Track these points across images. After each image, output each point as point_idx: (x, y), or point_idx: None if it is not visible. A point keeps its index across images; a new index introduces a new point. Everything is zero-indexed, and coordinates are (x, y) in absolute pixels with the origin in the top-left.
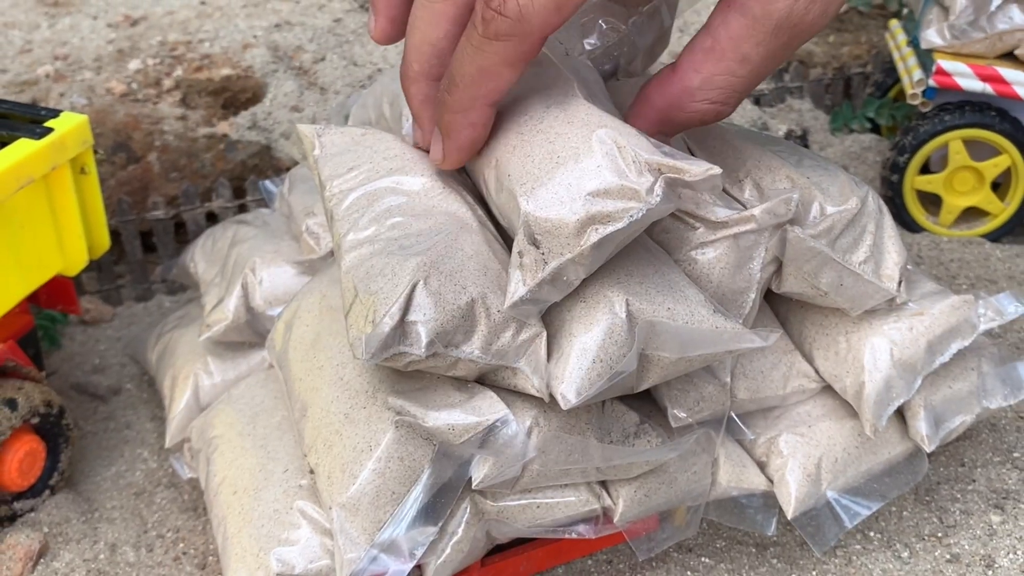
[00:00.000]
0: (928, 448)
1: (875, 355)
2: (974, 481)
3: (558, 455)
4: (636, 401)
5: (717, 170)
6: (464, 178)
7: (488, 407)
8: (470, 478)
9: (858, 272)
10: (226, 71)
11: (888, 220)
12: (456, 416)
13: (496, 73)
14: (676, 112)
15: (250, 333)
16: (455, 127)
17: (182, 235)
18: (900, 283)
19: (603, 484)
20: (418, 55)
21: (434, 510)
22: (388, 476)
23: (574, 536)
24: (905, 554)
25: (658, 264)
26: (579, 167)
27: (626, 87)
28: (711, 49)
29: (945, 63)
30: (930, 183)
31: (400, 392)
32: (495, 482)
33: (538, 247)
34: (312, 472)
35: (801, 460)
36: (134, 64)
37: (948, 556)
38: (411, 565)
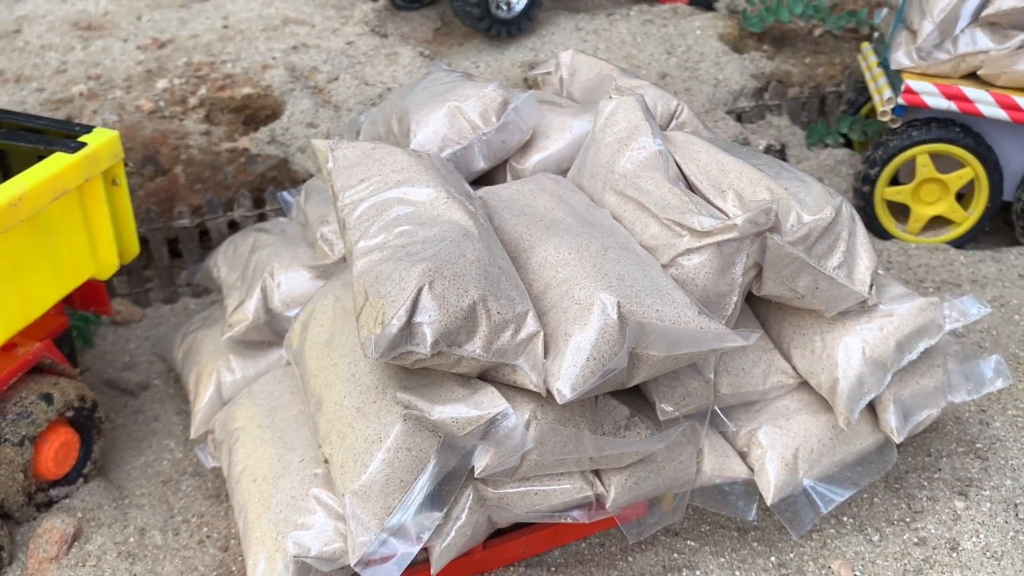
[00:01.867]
0: (897, 439)
1: (848, 353)
2: (940, 470)
3: (554, 446)
4: (627, 396)
5: None
6: (467, 187)
7: (489, 401)
8: (473, 467)
9: (832, 276)
10: (247, 90)
11: (860, 228)
12: (460, 410)
13: None
14: None
15: (269, 333)
16: None
17: (206, 242)
18: (871, 286)
19: (596, 473)
20: None
21: (439, 497)
22: (397, 465)
23: (569, 521)
24: (876, 537)
25: (648, 269)
26: None
27: None
28: None
29: (913, 83)
30: (899, 194)
31: (408, 388)
32: (496, 471)
33: None
34: (326, 461)
35: (780, 450)
36: (162, 83)
37: (916, 539)
38: (418, 548)
